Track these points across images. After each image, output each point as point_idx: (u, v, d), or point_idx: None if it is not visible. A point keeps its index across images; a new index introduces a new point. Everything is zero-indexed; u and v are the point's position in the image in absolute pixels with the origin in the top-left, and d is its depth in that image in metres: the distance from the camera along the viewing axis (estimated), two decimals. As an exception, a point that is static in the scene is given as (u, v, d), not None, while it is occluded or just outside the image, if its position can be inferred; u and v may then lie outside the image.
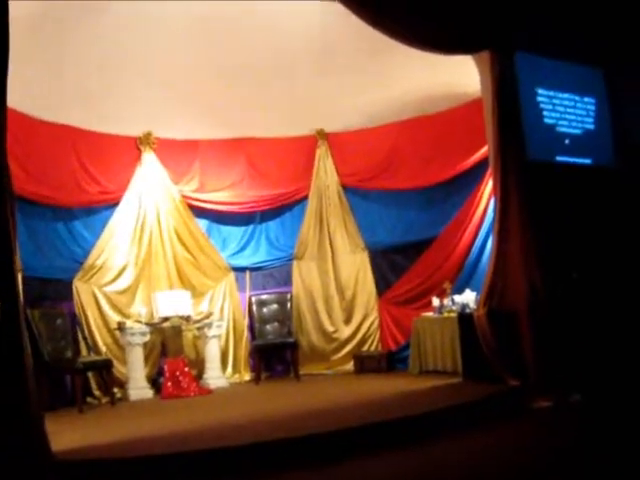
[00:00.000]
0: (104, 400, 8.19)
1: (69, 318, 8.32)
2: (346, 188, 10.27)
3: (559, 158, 7.84)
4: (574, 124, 8.07)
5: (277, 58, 8.31)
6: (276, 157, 10.13)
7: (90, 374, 8.23)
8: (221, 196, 9.87)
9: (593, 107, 8.32)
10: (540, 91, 7.79)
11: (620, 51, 8.20)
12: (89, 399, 8.19)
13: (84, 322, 8.50)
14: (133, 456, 5.00)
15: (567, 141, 7.96)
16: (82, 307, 8.52)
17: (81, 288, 8.56)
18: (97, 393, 8.32)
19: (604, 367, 6.93)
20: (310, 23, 7.84)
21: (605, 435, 5.34)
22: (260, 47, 8.05)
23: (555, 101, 7.93)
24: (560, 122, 7.93)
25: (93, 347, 8.51)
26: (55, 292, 8.40)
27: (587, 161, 8.08)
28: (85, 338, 8.48)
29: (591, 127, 8.25)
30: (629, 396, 6.36)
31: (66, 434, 5.81)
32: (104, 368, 8.09)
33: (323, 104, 9.47)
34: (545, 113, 7.80)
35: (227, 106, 9.17)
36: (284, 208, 10.22)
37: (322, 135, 10.24)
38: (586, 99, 8.26)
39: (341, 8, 6.62)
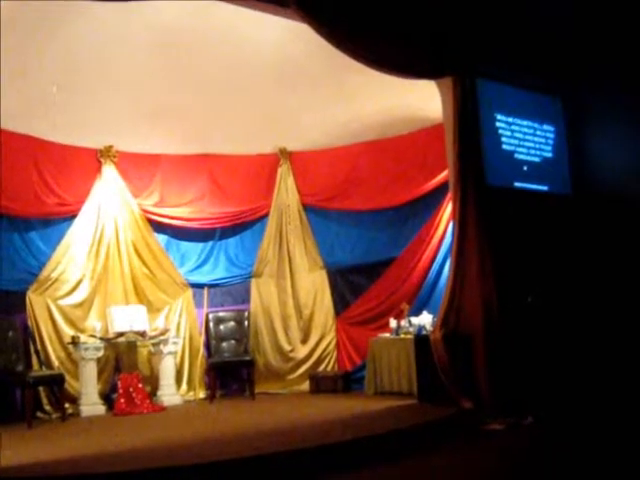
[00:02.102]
0: (55, 415, 8.04)
1: (21, 331, 8.16)
2: (306, 207, 10.28)
3: (517, 184, 7.96)
4: (532, 152, 8.21)
5: (241, 75, 8.33)
6: (238, 174, 10.10)
7: (41, 389, 8.06)
8: (181, 211, 9.79)
9: (552, 135, 8.47)
10: (499, 117, 7.91)
11: (578, 80, 8.38)
12: (39, 414, 8.02)
13: (37, 335, 8.33)
14: (80, 473, 4.92)
15: (525, 168, 8.10)
16: (35, 320, 8.35)
17: (35, 300, 8.40)
18: (48, 408, 8.14)
19: (557, 390, 7.02)
20: (275, 41, 7.88)
21: (557, 458, 5.39)
22: (224, 64, 8.07)
23: (514, 127, 8.06)
24: (519, 149, 8.06)
25: (45, 361, 8.34)
26: (7, 304, 8.22)
27: (544, 188, 8.22)
28: (37, 352, 8.31)
29: (549, 155, 8.39)
30: (582, 419, 6.45)
31: (13, 450, 5.69)
32: (56, 383, 7.94)
33: (286, 122, 9.50)
34: (504, 139, 7.93)
35: (190, 121, 9.16)
36: (244, 225, 10.17)
37: (284, 153, 10.25)
38: (545, 127, 8.41)
39: (306, 27, 6.66)
